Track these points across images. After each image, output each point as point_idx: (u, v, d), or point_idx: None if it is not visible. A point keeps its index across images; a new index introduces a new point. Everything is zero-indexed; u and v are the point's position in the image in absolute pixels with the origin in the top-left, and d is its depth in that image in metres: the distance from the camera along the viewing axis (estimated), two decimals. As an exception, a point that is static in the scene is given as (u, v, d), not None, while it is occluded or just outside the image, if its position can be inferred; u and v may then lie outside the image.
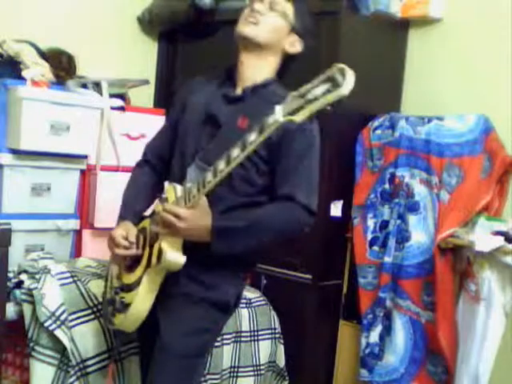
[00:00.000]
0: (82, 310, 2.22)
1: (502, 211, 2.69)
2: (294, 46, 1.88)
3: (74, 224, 2.73)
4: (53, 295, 2.17)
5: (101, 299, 2.22)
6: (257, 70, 1.85)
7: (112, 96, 2.83)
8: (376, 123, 2.78)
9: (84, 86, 2.78)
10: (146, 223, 1.87)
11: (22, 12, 2.92)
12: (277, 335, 2.79)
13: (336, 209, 2.80)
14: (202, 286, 1.80)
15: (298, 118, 1.43)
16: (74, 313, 2.19)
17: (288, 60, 1.91)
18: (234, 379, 2.64)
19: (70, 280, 2.26)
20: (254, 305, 2.73)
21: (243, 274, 1.93)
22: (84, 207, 2.77)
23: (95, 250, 2.72)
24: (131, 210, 1.93)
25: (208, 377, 2.49)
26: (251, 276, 2.84)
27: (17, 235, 2.37)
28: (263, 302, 2.78)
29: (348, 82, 1.36)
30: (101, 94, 2.77)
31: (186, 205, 1.68)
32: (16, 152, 2.51)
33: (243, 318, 2.67)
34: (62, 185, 2.67)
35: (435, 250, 2.52)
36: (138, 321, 1.81)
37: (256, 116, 1.57)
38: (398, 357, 2.67)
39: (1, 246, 1.98)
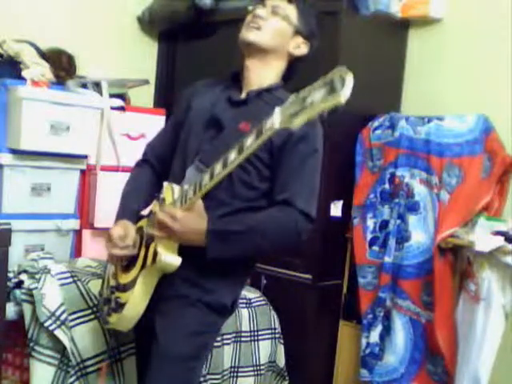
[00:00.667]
0: (82, 310, 2.22)
1: (502, 211, 2.69)
2: (300, 48, 1.87)
3: (74, 224, 2.73)
4: (53, 295, 2.17)
5: (101, 299, 2.24)
6: (262, 74, 1.85)
7: (112, 96, 2.83)
8: (376, 123, 2.78)
9: (84, 86, 2.78)
10: (143, 223, 1.87)
11: (22, 12, 2.92)
12: (277, 335, 2.79)
13: (336, 209, 2.80)
14: (198, 289, 1.79)
15: (295, 124, 1.41)
16: (74, 313, 2.19)
17: (295, 63, 1.90)
18: (234, 379, 2.64)
19: (70, 280, 2.26)
20: (253, 305, 2.73)
21: (241, 277, 1.93)
22: (84, 207, 2.77)
23: (95, 250, 2.72)
24: (129, 209, 1.92)
25: (208, 377, 2.49)
26: (251, 276, 2.84)
27: (17, 235, 2.37)
28: (263, 302, 2.79)
29: (346, 89, 1.33)
30: (101, 94, 2.77)
31: (181, 207, 1.68)
32: (16, 152, 2.51)
33: (243, 317, 2.67)
34: (62, 185, 2.67)
35: (435, 249, 2.52)
36: (133, 321, 1.80)
37: (258, 120, 1.56)
38: (397, 357, 2.67)
39: (1, 246, 1.99)
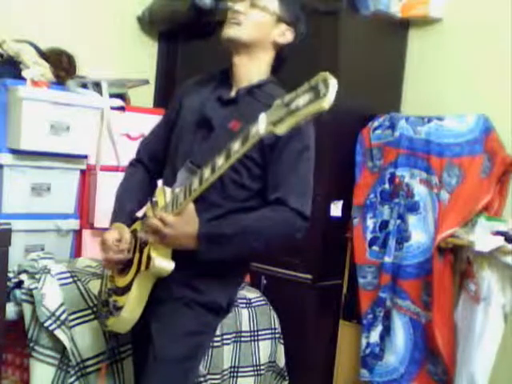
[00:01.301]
0: (82, 310, 2.22)
1: (502, 211, 2.69)
2: (285, 35, 1.84)
3: (74, 224, 2.73)
4: (53, 295, 2.17)
5: (101, 299, 2.23)
6: (251, 69, 1.84)
7: (112, 96, 2.83)
8: (376, 123, 2.78)
9: (84, 86, 2.78)
10: (137, 225, 1.87)
11: (22, 12, 2.92)
12: (277, 335, 2.79)
13: (336, 209, 2.80)
14: (192, 290, 1.79)
15: (279, 130, 1.40)
16: (74, 313, 2.19)
17: (282, 52, 1.87)
18: (234, 379, 2.64)
19: (70, 280, 2.26)
20: (253, 305, 2.73)
21: (236, 277, 1.92)
22: (84, 207, 2.77)
23: (95, 250, 2.70)
24: (124, 211, 1.91)
25: (208, 377, 2.49)
26: (251, 276, 2.84)
27: (17, 235, 2.37)
28: (263, 302, 2.78)
29: (330, 95, 1.32)
30: (101, 94, 2.77)
31: (173, 211, 1.67)
32: (16, 152, 2.51)
33: (243, 318, 2.67)
34: (62, 185, 2.67)
35: (434, 249, 2.52)
36: (130, 324, 1.81)
37: (249, 118, 1.55)
38: (398, 357, 2.67)
39: (1, 246, 1.98)
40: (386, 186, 2.74)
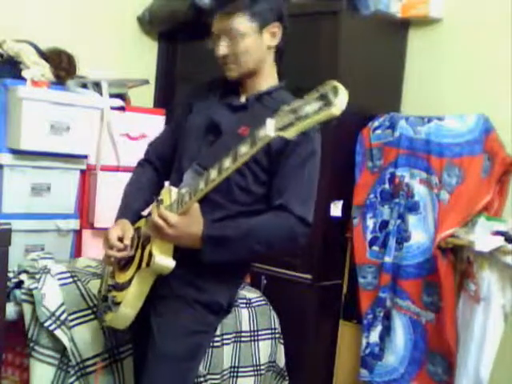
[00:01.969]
0: (82, 310, 2.22)
1: (502, 211, 2.69)
2: (275, 34, 1.81)
3: (74, 224, 2.73)
4: (53, 295, 2.17)
5: (101, 299, 2.24)
6: (258, 81, 1.84)
7: (112, 96, 2.83)
8: (376, 123, 2.78)
9: (84, 86, 2.78)
10: (141, 223, 1.88)
11: (22, 12, 2.92)
12: (277, 335, 2.79)
13: (336, 209, 2.80)
14: (194, 289, 1.79)
15: (289, 134, 1.41)
16: (74, 313, 2.19)
17: (279, 48, 1.85)
18: (234, 379, 2.64)
19: (70, 280, 2.26)
20: (254, 305, 2.73)
21: (237, 277, 1.93)
22: (84, 207, 2.77)
23: (95, 250, 2.72)
24: (130, 208, 1.93)
25: (208, 377, 2.49)
26: (251, 276, 2.84)
27: (17, 235, 2.36)
28: (263, 302, 2.78)
29: (340, 102, 1.33)
30: (101, 94, 2.77)
31: (178, 210, 1.67)
32: (16, 152, 2.51)
33: (243, 317, 2.67)
34: (62, 185, 2.67)
35: (436, 250, 2.52)
36: (128, 320, 1.81)
37: (258, 124, 1.55)
38: (397, 357, 2.67)
39: (1, 246, 1.98)
40: (386, 186, 2.74)
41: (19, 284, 2.24)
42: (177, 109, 2.03)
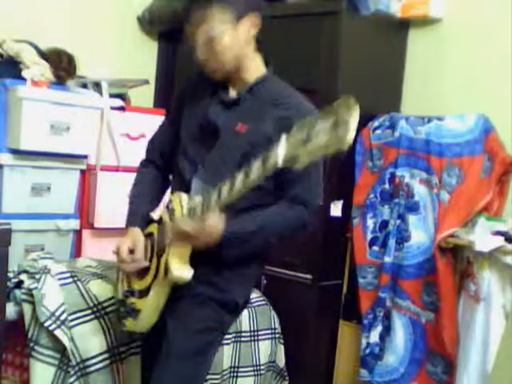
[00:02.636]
0: (82, 310, 2.21)
1: (502, 211, 2.69)
2: (253, 23, 1.78)
3: (74, 224, 2.73)
4: (53, 295, 2.17)
5: (101, 299, 2.23)
6: (244, 74, 1.83)
7: (112, 96, 2.83)
8: (376, 123, 2.78)
9: (84, 86, 2.78)
10: (153, 228, 1.88)
11: (22, 12, 2.92)
12: (277, 335, 2.79)
13: (336, 209, 2.80)
14: (212, 288, 1.81)
15: (299, 164, 1.38)
16: (74, 313, 2.19)
17: (258, 38, 1.83)
18: (234, 379, 2.64)
19: (70, 280, 2.26)
20: (254, 305, 2.73)
21: (255, 276, 1.95)
22: (84, 207, 2.76)
23: (95, 250, 2.72)
24: (138, 214, 1.92)
25: (208, 377, 2.48)
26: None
27: (17, 235, 2.36)
28: (263, 302, 2.78)
29: (349, 136, 1.31)
30: (101, 94, 2.77)
31: (194, 218, 1.67)
32: (16, 152, 2.51)
33: (243, 317, 2.67)
34: (62, 185, 2.67)
35: (436, 250, 2.52)
36: (148, 326, 1.85)
37: (254, 119, 1.53)
38: (397, 357, 2.67)
39: (1, 246, 1.98)
40: (386, 185, 2.74)
41: (19, 284, 2.23)
42: (173, 102, 2.03)
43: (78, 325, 2.18)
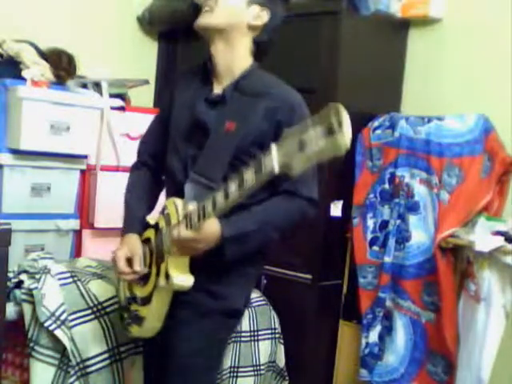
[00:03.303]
0: (82, 310, 2.21)
1: (502, 211, 2.69)
2: (260, 17, 1.80)
3: (74, 224, 2.73)
4: (53, 295, 2.17)
5: (101, 299, 2.23)
6: (230, 57, 1.81)
7: (112, 96, 2.83)
8: (376, 123, 2.78)
9: (84, 86, 2.78)
10: (150, 233, 1.87)
11: (22, 12, 2.92)
12: (277, 335, 2.79)
13: (336, 209, 2.80)
14: (211, 297, 1.81)
15: (294, 172, 1.38)
16: (74, 313, 2.19)
17: (261, 35, 1.82)
18: (234, 379, 2.64)
19: (70, 280, 2.26)
20: (254, 305, 2.73)
21: (252, 279, 1.95)
22: (84, 207, 2.76)
23: (95, 250, 2.72)
24: (135, 219, 1.92)
25: (208, 377, 2.49)
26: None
27: (17, 235, 2.36)
28: (263, 302, 2.78)
29: (346, 141, 1.31)
30: (101, 94, 2.77)
31: (191, 226, 1.66)
32: (16, 152, 2.51)
33: (243, 317, 2.66)
34: (62, 185, 2.67)
35: (436, 250, 2.52)
36: (155, 331, 1.86)
37: (242, 116, 1.52)
38: (397, 357, 2.67)
39: (1, 245, 1.98)
40: (386, 185, 2.74)
41: (19, 284, 2.23)
42: (161, 100, 2.03)
43: (78, 325, 2.18)
